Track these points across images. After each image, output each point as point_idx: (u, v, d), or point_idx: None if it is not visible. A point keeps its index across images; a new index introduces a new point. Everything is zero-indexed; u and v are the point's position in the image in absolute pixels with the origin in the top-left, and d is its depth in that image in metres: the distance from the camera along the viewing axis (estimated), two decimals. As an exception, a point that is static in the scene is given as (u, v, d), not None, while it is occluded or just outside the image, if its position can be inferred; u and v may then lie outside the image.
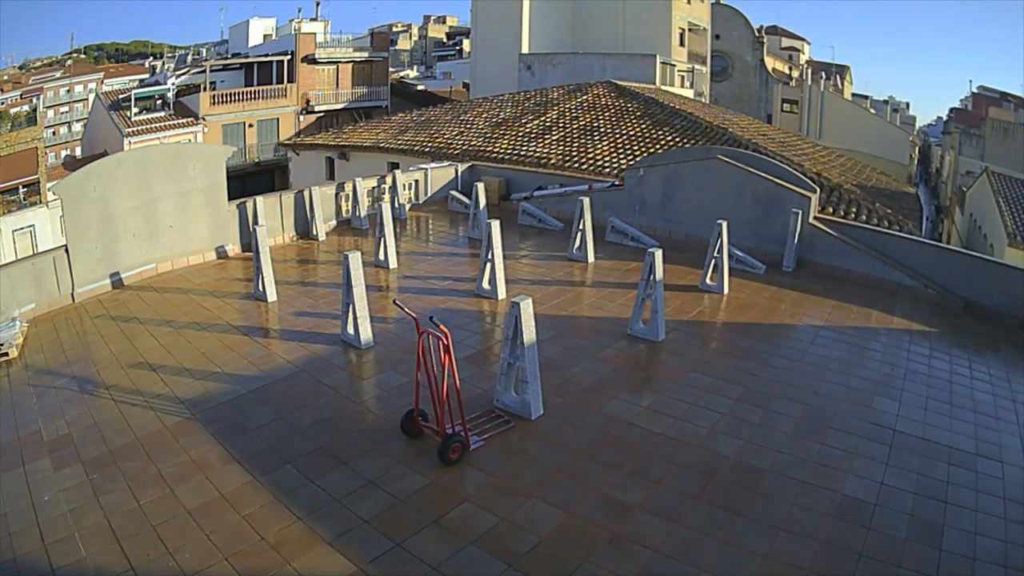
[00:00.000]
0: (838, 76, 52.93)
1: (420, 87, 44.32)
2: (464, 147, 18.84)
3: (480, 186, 11.84)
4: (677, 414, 5.74)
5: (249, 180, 28.65)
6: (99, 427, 5.46)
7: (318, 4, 40.08)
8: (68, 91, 43.70)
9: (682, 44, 33.03)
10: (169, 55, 50.09)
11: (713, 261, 8.98)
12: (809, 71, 44.63)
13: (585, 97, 21.90)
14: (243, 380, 6.24)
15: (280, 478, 4.76)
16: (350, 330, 7.00)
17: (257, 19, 38.86)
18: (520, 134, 19.42)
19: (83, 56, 66.08)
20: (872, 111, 46.27)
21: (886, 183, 21.39)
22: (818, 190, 10.90)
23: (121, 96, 30.82)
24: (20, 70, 50.98)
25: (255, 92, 32.03)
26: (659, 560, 4.04)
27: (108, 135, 29.44)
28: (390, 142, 20.48)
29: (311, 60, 33.57)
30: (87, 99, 38.11)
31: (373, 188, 13.08)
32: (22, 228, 23.41)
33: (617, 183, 12.80)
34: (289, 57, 33.09)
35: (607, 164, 16.25)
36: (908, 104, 73.80)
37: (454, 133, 20.40)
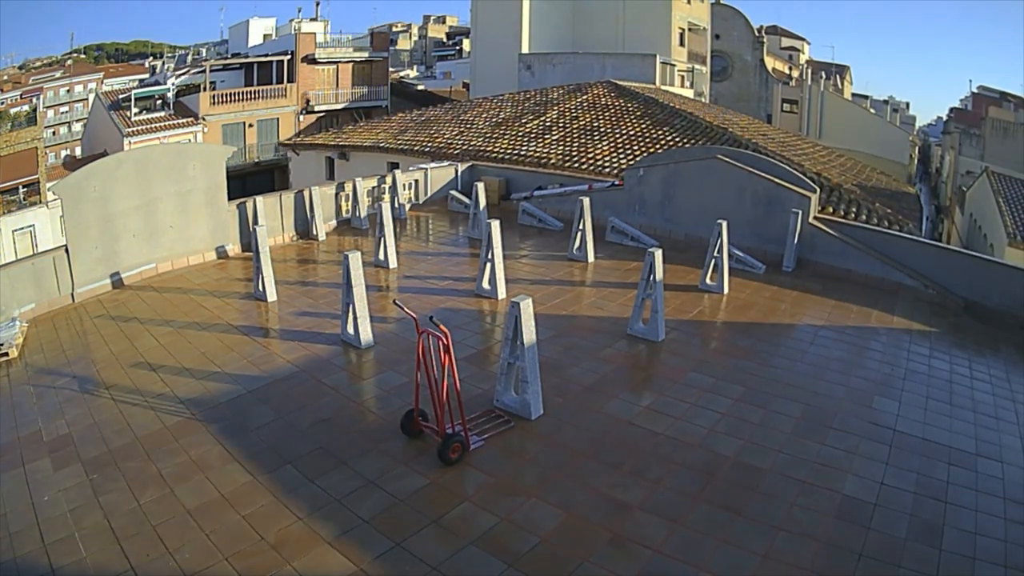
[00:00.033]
0: (838, 76, 52.94)
1: (420, 87, 44.33)
2: (464, 147, 18.84)
3: (480, 186, 11.84)
4: (677, 414, 5.74)
5: (249, 180, 28.65)
6: (99, 427, 5.46)
7: (318, 4, 40.11)
8: (68, 91, 43.69)
9: (682, 44, 33.03)
10: (169, 55, 50.10)
11: (713, 261, 8.98)
12: (809, 71, 44.63)
13: (585, 97, 21.89)
14: (243, 380, 6.24)
15: (280, 478, 4.76)
16: (350, 330, 7.00)
17: (257, 19, 38.88)
18: (520, 134, 19.42)
19: (83, 56, 66.09)
20: (872, 111, 46.26)
21: (886, 183, 21.38)
22: (818, 190, 10.90)
23: (121, 96, 30.83)
24: (20, 70, 50.98)
25: (255, 92, 32.03)
26: (659, 560, 4.04)
27: (108, 135, 29.44)
28: (390, 142, 20.48)
29: (311, 60, 33.57)
30: (87, 99, 38.11)
31: (373, 188, 13.08)
32: (22, 228, 23.40)
33: (617, 183, 12.80)
34: (289, 57, 33.09)
35: (607, 164, 16.25)
36: (908, 104, 73.93)
37: (454, 133, 20.40)
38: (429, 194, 14.36)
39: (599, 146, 17.60)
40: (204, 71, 31.96)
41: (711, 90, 35.79)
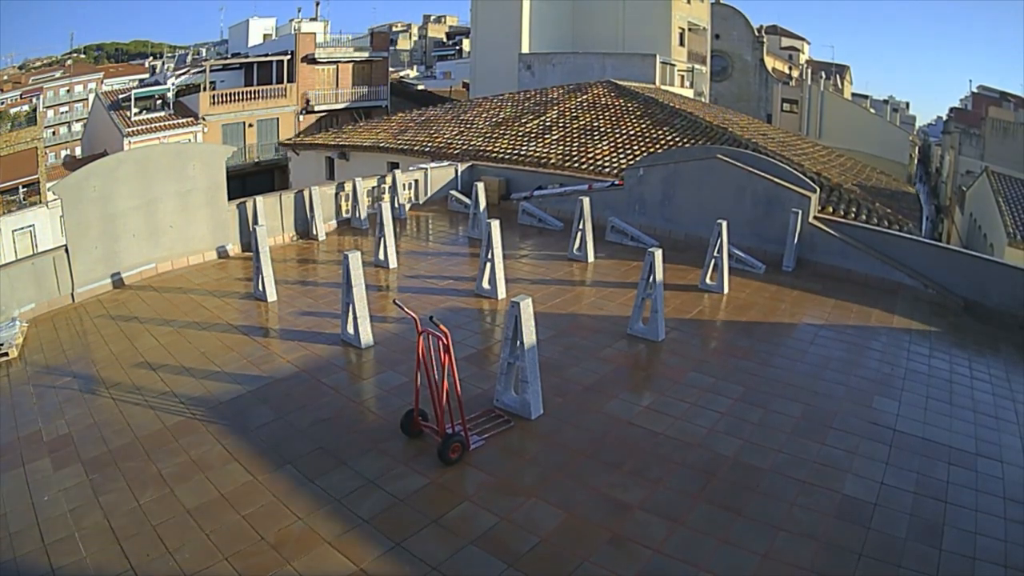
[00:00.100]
0: (838, 76, 52.93)
1: (420, 87, 44.32)
2: (464, 147, 18.84)
3: (480, 186, 11.84)
4: (677, 414, 5.74)
5: (249, 180, 28.65)
6: (99, 427, 5.46)
7: (318, 4, 40.13)
8: (68, 91, 43.70)
9: (682, 44, 33.03)
10: (169, 55, 50.12)
11: (713, 261, 8.98)
12: (809, 71, 44.62)
13: (585, 97, 21.89)
14: (243, 380, 6.25)
15: (280, 478, 4.77)
16: (350, 330, 7.00)
17: (257, 19, 38.89)
18: (520, 134, 19.42)
19: (83, 56, 66.10)
20: (872, 111, 46.25)
21: (886, 183, 21.38)
22: (818, 190, 10.90)
23: (121, 96, 30.83)
24: (20, 70, 50.99)
25: (255, 92, 32.03)
26: (659, 560, 4.04)
27: (108, 135, 29.45)
28: (390, 142, 20.48)
29: (311, 60, 33.57)
30: (87, 99, 38.11)
31: (373, 188, 13.08)
32: (22, 228, 23.40)
33: (617, 183, 12.80)
34: (289, 57, 33.09)
35: (607, 164, 16.25)
36: (908, 104, 73.86)
37: (454, 133, 20.40)
38: (429, 194, 14.36)
39: (599, 146, 17.60)
40: (204, 71, 31.97)
41: (711, 90, 35.79)
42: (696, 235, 10.84)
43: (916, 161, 39.43)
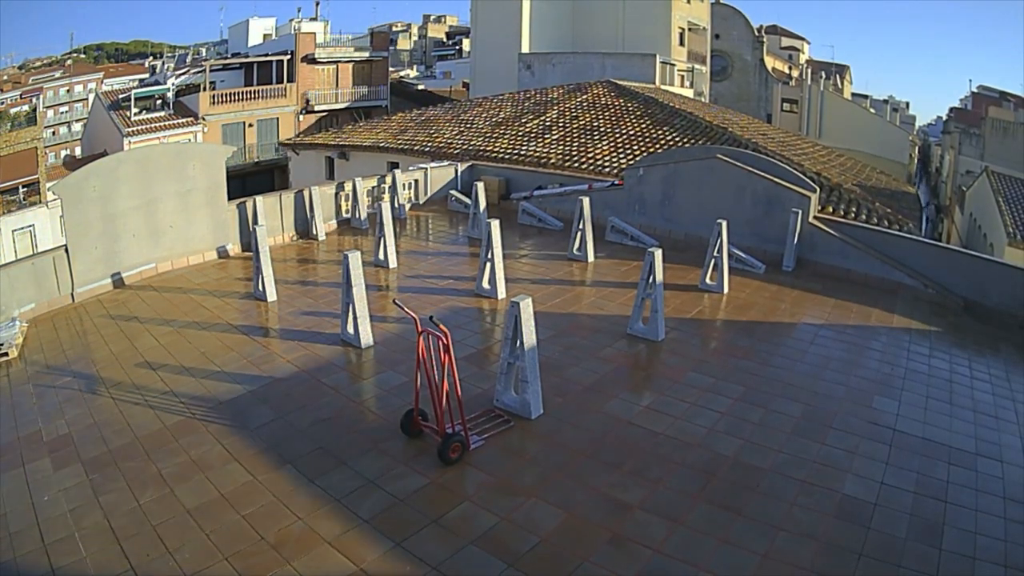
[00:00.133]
0: (838, 76, 52.93)
1: (420, 87, 44.33)
2: (464, 147, 18.84)
3: (480, 186, 11.84)
4: (677, 414, 5.74)
5: (249, 180, 28.65)
6: (99, 427, 5.46)
7: (318, 4, 40.18)
8: (68, 91, 43.68)
9: (682, 44, 33.02)
10: (169, 55, 50.14)
11: (713, 260, 8.98)
12: (809, 71, 44.62)
13: (585, 97, 21.89)
14: (243, 380, 6.25)
15: (280, 478, 4.76)
16: (350, 330, 7.00)
17: (257, 19, 38.92)
18: (520, 134, 19.41)
19: (83, 56, 66.10)
20: (872, 111, 46.24)
21: (886, 183, 21.38)
22: (818, 189, 10.90)
23: (121, 96, 30.83)
24: (20, 70, 50.99)
25: (255, 92, 32.04)
26: (659, 559, 4.04)
27: (108, 135, 29.45)
28: (390, 142, 20.48)
29: (311, 60, 33.57)
30: (87, 99, 38.12)
31: (373, 188, 13.08)
32: (22, 228, 23.40)
33: (617, 182, 12.80)
34: (289, 57, 33.10)
35: (607, 164, 16.25)
36: (908, 104, 73.87)
37: (454, 133, 20.40)
38: (429, 194, 14.36)
39: (599, 146, 17.60)
40: (204, 71, 31.96)
41: (711, 90, 35.79)
42: (696, 235, 10.83)
43: (916, 161, 39.44)
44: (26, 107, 32.82)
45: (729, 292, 8.96)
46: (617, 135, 18.25)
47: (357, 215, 12.41)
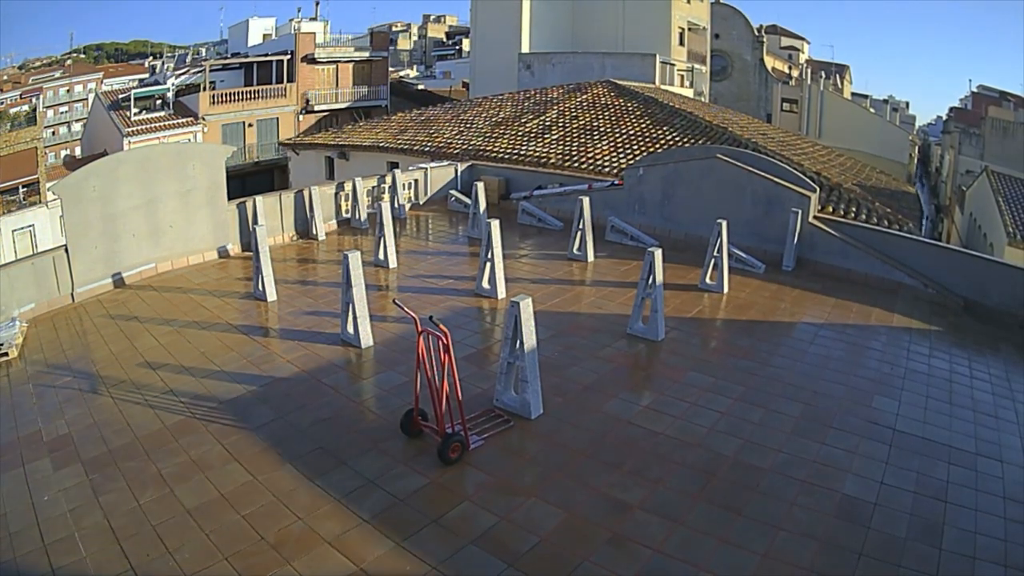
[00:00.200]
0: (838, 75, 52.92)
1: (420, 86, 44.34)
2: (464, 147, 18.84)
3: (480, 185, 11.84)
4: (677, 413, 5.74)
5: (249, 180, 28.66)
6: (99, 427, 5.46)
7: (318, 4, 40.17)
8: (68, 91, 43.67)
9: (682, 43, 33.01)
10: (169, 55, 50.10)
11: (713, 260, 8.98)
12: (809, 70, 44.61)
13: (585, 96, 21.89)
14: (243, 380, 6.25)
15: (280, 478, 4.76)
16: (350, 330, 7.00)
17: (257, 19, 38.92)
18: (520, 133, 19.41)
19: (83, 56, 66.10)
20: (872, 110, 46.22)
21: (886, 182, 21.38)
22: (818, 189, 10.90)
23: (121, 96, 30.84)
24: (20, 70, 50.98)
25: (255, 92, 32.04)
26: (659, 559, 4.04)
27: (108, 135, 29.45)
28: (390, 142, 20.47)
29: (311, 60, 33.58)
30: (87, 99, 38.11)
31: (373, 188, 13.08)
32: (22, 228, 23.42)
33: (617, 182, 12.80)
34: (289, 57, 33.10)
35: (607, 163, 16.25)
36: (908, 103, 73.84)
37: (454, 133, 20.39)
38: (429, 194, 14.35)
39: (599, 146, 17.59)
40: (204, 71, 31.96)
41: (711, 90, 35.78)
42: (696, 235, 10.83)
43: (916, 161, 39.42)
44: (26, 107, 32.84)
45: (729, 292, 8.96)
46: (617, 135, 18.25)
47: (357, 215, 12.40)
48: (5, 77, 46.04)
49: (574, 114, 20.38)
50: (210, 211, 10.09)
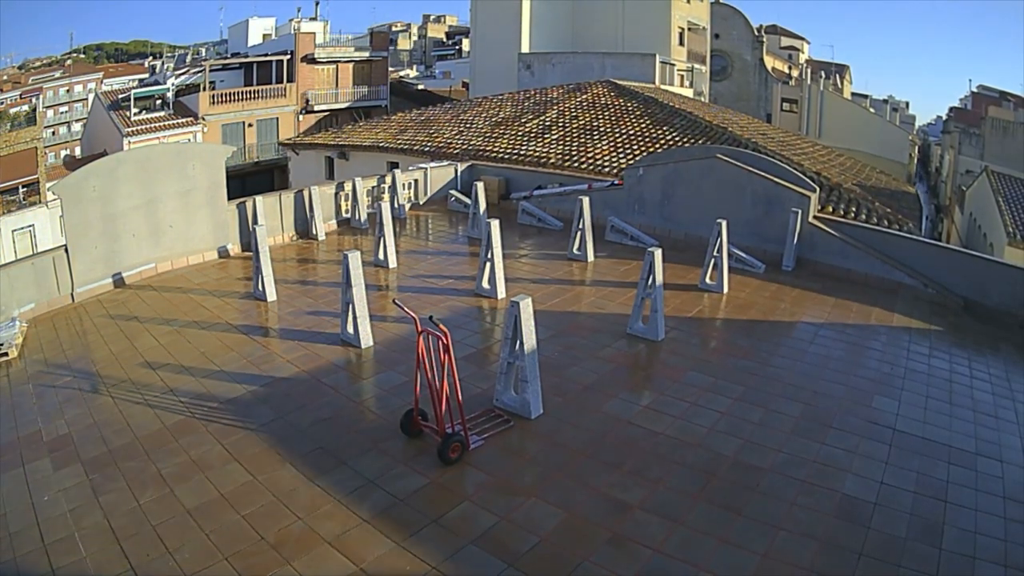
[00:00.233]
0: (838, 75, 52.91)
1: (420, 86, 44.34)
2: (464, 147, 18.84)
3: (480, 185, 11.84)
4: (677, 413, 5.74)
5: (249, 180, 28.66)
6: (99, 427, 5.46)
7: (318, 4, 40.22)
8: (68, 91, 43.69)
9: (682, 43, 33.02)
10: (169, 55, 50.12)
11: (713, 260, 8.98)
12: (809, 70, 44.60)
13: (585, 96, 21.89)
14: (243, 380, 6.25)
15: (280, 478, 4.76)
16: (350, 330, 7.00)
17: (257, 19, 38.95)
18: (520, 133, 19.41)
19: (82, 56, 66.11)
20: (872, 110, 46.21)
21: (886, 182, 21.38)
22: (818, 189, 10.90)
23: (121, 96, 30.85)
24: (20, 70, 51.00)
25: (255, 92, 32.04)
26: (659, 559, 4.04)
27: (108, 135, 29.45)
28: (390, 142, 20.48)
29: (311, 60, 33.57)
30: (87, 99, 38.12)
31: (373, 188, 13.08)
32: (22, 228, 23.42)
33: (617, 182, 12.80)
34: (289, 57, 33.10)
35: (607, 163, 16.25)
36: (908, 103, 73.83)
37: (454, 132, 20.39)
38: (429, 194, 14.35)
39: (599, 146, 17.60)
40: (204, 71, 31.96)
41: (711, 90, 35.79)
42: (696, 235, 10.83)
43: (916, 161, 39.42)
44: (26, 107, 32.85)
45: (729, 292, 8.96)
46: (617, 135, 18.25)
47: (357, 215, 12.40)
48: (5, 77, 46.05)
49: (574, 114, 20.39)
50: (210, 211, 10.09)
